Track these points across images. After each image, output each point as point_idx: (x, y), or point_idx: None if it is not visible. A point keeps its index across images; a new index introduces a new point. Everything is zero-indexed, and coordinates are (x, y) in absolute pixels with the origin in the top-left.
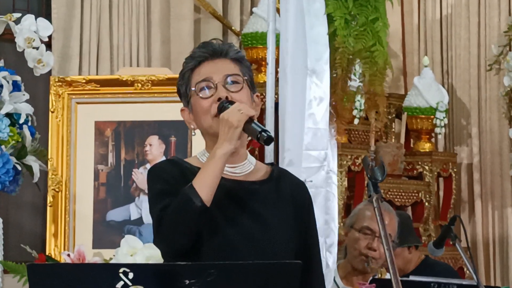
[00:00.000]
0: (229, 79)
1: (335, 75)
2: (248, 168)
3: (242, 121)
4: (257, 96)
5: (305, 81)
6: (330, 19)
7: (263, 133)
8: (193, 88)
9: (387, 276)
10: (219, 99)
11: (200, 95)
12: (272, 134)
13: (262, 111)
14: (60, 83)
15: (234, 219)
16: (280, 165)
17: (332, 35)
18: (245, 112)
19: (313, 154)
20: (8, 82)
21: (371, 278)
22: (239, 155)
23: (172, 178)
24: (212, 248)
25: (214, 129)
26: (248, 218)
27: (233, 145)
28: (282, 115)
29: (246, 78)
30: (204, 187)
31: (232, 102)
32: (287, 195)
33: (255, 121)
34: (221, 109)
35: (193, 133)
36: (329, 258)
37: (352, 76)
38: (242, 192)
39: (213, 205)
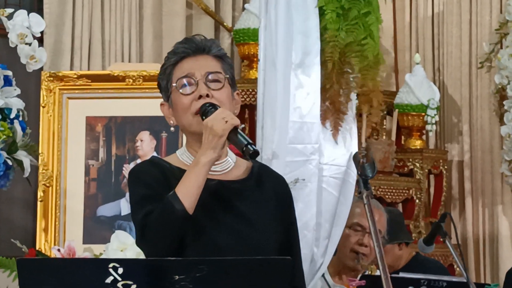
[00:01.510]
0: (210, 77)
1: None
2: (228, 165)
3: (227, 130)
4: (237, 94)
5: (289, 75)
6: (321, 12)
7: (249, 146)
8: (174, 84)
9: (378, 273)
10: (200, 96)
11: (181, 91)
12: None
13: (253, 107)
14: (52, 78)
15: (217, 218)
16: (264, 158)
17: (323, 29)
18: (230, 122)
19: (298, 148)
20: None
21: (361, 274)
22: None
23: (153, 181)
24: (196, 249)
25: (194, 127)
26: (231, 217)
27: (217, 153)
28: (269, 109)
29: (227, 76)
30: (187, 195)
31: (214, 106)
32: (269, 191)
33: (239, 130)
34: (204, 112)
35: (172, 129)
36: (316, 252)
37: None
38: (224, 191)
39: (196, 207)
